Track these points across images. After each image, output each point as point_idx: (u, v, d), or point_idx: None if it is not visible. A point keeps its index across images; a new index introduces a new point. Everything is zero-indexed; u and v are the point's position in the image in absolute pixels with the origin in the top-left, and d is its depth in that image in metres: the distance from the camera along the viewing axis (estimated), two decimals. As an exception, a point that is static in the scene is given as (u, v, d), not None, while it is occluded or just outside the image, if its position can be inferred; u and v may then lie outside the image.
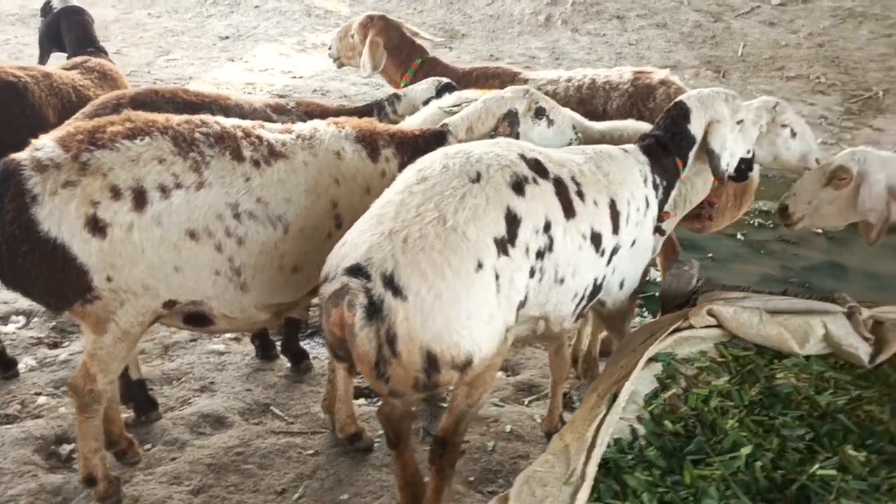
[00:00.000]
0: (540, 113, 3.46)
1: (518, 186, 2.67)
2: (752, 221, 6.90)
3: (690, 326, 3.07)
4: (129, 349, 3.02)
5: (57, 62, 4.77)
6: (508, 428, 3.89)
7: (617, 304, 3.31)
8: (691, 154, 3.41)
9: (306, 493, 3.37)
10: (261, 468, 3.52)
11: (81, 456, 3.16)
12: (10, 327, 4.65)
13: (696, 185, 3.83)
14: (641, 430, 2.65)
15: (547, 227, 2.72)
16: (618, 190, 3.07)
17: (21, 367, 4.23)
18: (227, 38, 13.52)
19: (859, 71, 11.03)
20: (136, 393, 3.78)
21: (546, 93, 4.43)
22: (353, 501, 3.34)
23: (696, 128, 3.38)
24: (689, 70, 11.48)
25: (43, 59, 5.09)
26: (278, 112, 3.85)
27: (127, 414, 3.79)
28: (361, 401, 4.11)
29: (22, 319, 4.75)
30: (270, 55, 12.57)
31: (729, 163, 3.42)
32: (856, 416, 2.76)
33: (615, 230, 3.03)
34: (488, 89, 3.94)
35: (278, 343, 4.43)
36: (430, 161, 2.74)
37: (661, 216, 3.53)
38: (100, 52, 4.85)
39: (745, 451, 2.51)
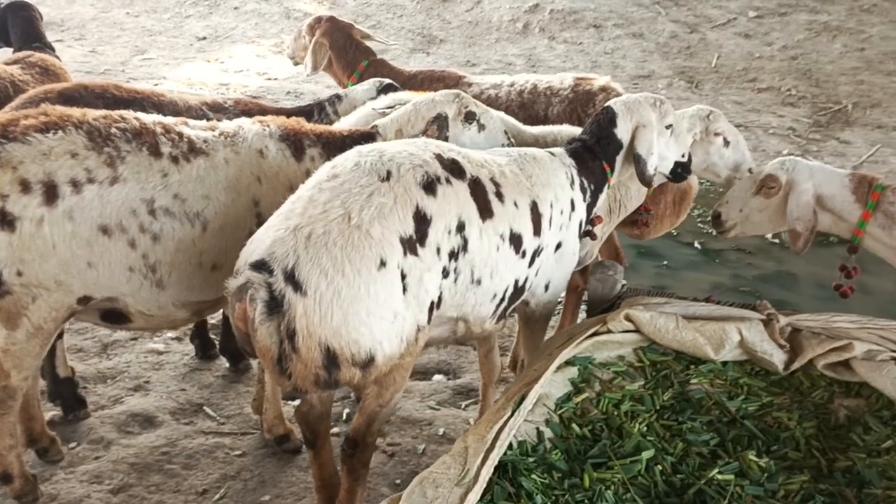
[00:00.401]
0: (470, 117, 3.45)
1: (429, 186, 2.66)
2: (709, 230, 6.92)
3: (609, 331, 3.07)
4: (44, 345, 2.98)
5: (2, 57, 4.75)
6: (441, 431, 3.88)
7: (540, 306, 3.30)
8: (618, 158, 3.41)
9: (228, 493, 3.35)
10: (185, 468, 3.49)
11: (-3, 453, 3.13)
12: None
13: (630, 190, 3.84)
14: (548, 433, 2.64)
15: (461, 228, 2.72)
16: (540, 192, 3.07)
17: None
18: (204, 38, 13.50)
19: (830, 84, 11.12)
20: (64, 390, 3.75)
21: (488, 97, 4.44)
22: (275, 502, 3.32)
23: (622, 132, 3.38)
24: (663, 80, 11.55)
25: (-9, 54, 5.07)
26: (214, 110, 3.84)
27: (54, 412, 3.76)
28: (296, 402, 4.09)
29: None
30: (247, 56, 12.57)
31: (657, 167, 3.42)
32: (765, 422, 2.77)
33: (537, 232, 3.03)
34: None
35: (218, 343, 4.41)
36: (344, 159, 2.73)
37: (593, 220, 3.54)
38: (45, 47, 4.83)
39: (647, 454, 2.51)
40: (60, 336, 3.67)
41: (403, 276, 2.54)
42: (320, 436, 2.95)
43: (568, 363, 2.96)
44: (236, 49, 12.88)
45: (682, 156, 3.57)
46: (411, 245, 2.56)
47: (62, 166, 2.76)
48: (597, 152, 3.36)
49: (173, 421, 3.84)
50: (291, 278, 2.39)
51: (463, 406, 4.18)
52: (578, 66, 12.14)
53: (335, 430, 3.82)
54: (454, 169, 2.79)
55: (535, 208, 3.03)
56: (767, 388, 2.95)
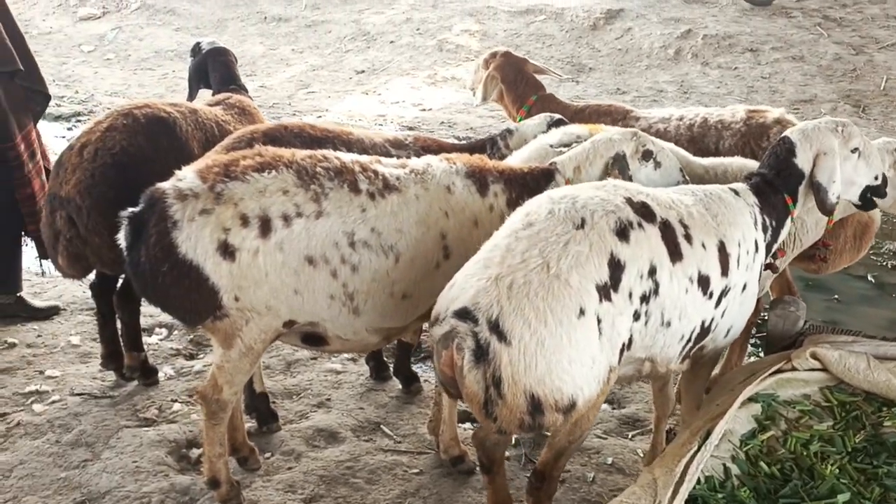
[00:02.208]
0: (647, 156, 3.51)
1: (623, 232, 2.74)
2: (884, 263, 6.61)
3: (793, 369, 3.04)
4: (253, 363, 3.28)
5: (203, 99, 5.23)
6: (610, 460, 3.93)
7: (717, 349, 3.30)
8: (801, 189, 3.36)
9: (408, 509, 3.55)
10: (368, 483, 3.71)
11: (207, 459, 3.45)
12: (154, 339, 5.09)
13: (806, 223, 3.77)
14: (735, 469, 2.66)
15: (652, 272, 2.77)
16: (727, 231, 3.08)
17: (161, 375, 4.63)
18: (362, 72, 14.16)
19: None
20: (259, 404, 4.08)
21: (657, 131, 4.48)
22: (453, 521, 3.48)
23: (802, 162, 3.33)
24: (827, 104, 11.08)
25: (191, 96, 5.59)
26: (396, 147, 4.09)
27: (250, 424, 4.09)
28: (467, 424, 4.25)
29: (164, 332, 5.19)
30: (402, 88, 13.08)
31: (839, 195, 3.35)
32: (972, 470, 2.66)
33: (724, 272, 3.04)
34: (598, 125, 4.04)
35: (392, 365, 4.64)
36: (537, 205, 2.84)
37: (776, 253, 3.50)
38: (241, 89, 5.28)
39: (843, 498, 2.47)
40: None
41: (599, 322, 2.62)
42: (496, 462, 3.08)
43: (751, 399, 2.95)
44: (392, 81, 13.43)
45: (875, 178, 3.45)
46: (606, 291, 2.64)
47: (275, 202, 3.05)
48: (777, 186, 3.33)
49: (354, 437, 4.09)
50: (496, 328, 2.52)
51: (630, 436, 4.20)
52: (733, 91, 11.86)
53: (507, 453, 3.95)
54: (645, 213, 2.85)
55: (722, 249, 3.04)
56: (970, 435, 2.83)
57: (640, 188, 3.02)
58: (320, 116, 11.93)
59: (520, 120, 5.08)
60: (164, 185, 3.06)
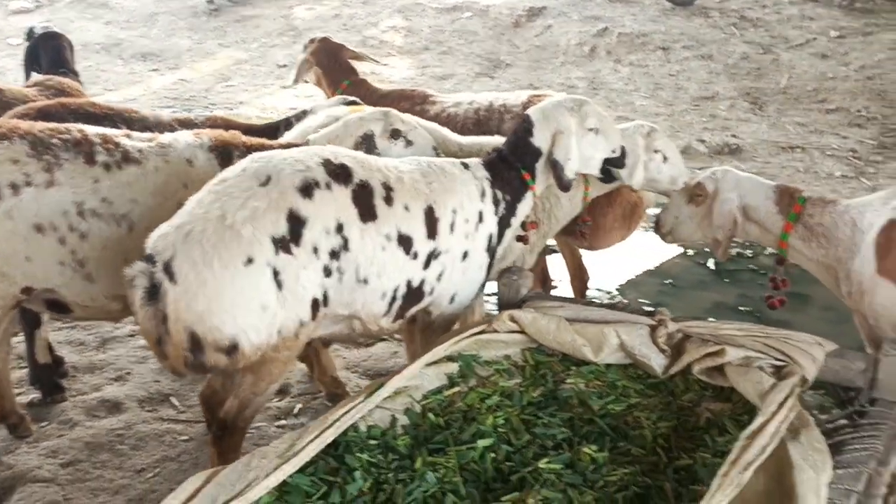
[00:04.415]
0: (396, 134, 3.67)
1: (306, 190, 2.88)
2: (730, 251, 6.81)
3: (494, 331, 3.19)
4: (-3, 330, 3.40)
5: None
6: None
7: (442, 318, 3.44)
8: (538, 166, 3.51)
9: (162, 472, 3.66)
10: (133, 449, 3.83)
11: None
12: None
13: (560, 199, 3.93)
14: (403, 420, 2.80)
15: (339, 229, 2.92)
16: (438, 198, 3.23)
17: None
18: (284, 66, 14.22)
19: (905, 104, 10.62)
20: (43, 375, 4.18)
21: (448, 115, 4.65)
22: (204, 483, 3.59)
23: (540, 140, 3.47)
24: (726, 101, 11.33)
25: (26, 78, 5.68)
26: (184, 125, 4.21)
27: (35, 394, 4.20)
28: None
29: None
30: (319, 83, 13.17)
31: (577, 171, 3.51)
32: (625, 421, 2.82)
33: (431, 235, 3.19)
34: (399, 110, 4.19)
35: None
36: (238, 164, 3.01)
37: (525, 225, 3.65)
38: (70, 73, 5.38)
39: (483, 443, 2.62)
40: (39, 326, 4.12)
41: (277, 273, 2.77)
42: (218, 421, 3.21)
43: (451, 359, 3.10)
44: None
45: (613, 151, 3.61)
46: (284, 245, 2.79)
47: (3, 172, 3.16)
48: (513, 162, 3.48)
49: (138, 408, 4.20)
50: (168, 269, 2.70)
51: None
52: (640, 88, 12.09)
53: (283, 422, 4.09)
54: (340, 174, 3.00)
55: (430, 213, 3.19)
56: (642, 391, 2.99)
57: (351, 153, 3.15)
58: (232, 110, 12.01)
59: (330, 103, 5.23)
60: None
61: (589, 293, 5.88)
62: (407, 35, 15.13)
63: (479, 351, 3.16)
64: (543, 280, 4.60)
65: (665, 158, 3.87)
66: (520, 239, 3.69)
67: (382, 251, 3.04)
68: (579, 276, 4.73)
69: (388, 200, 3.06)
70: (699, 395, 2.93)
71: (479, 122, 4.58)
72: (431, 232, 3.18)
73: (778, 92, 11.51)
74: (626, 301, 5.86)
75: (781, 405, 2.63)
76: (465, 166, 3.43)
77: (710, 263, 6.56)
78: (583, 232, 4.02)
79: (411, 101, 4.90)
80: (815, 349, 2.98)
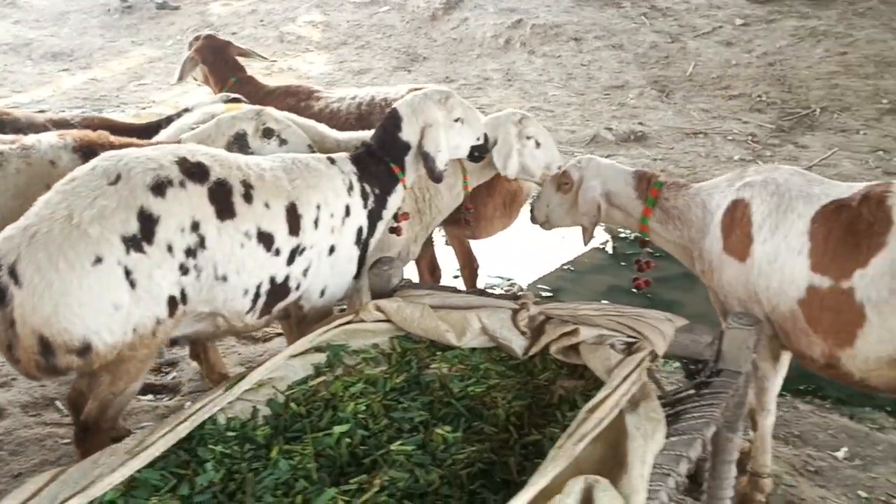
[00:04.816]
0: (268, 133, 3.70)
1: (159, 188, 2.89)
2: (630, 236, 7.02)
3: (362, 321, 3.25)
4: None
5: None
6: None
7: (314, 311, 3.48)
8: (408, 159, 3.58)
9: (40, 476, 3.63)
10: (11, 454, 3.78)
11: None
12: None
13: (440, 191, 4.02)
14: (265, 411, 2.85)
15: (195, 227, 2.94)
16: (301, 194, 3.27)
17: None
18: (199, 63, 14.03)
19: (803, 89, 11.02)
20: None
21: (332, 110, 4.69)
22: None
23: (408, 134, 3.55)
24: (635, 90, 11.61)
25: None
26: (58, 126, 4.16)
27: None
28: (149, 396, 4.37)
29: None
30: (233, 79, 13.03)
31: (447, 163, 3.60)
32: (482, 401, 2.92)
33: (294, 232, 3.23)
34: (282, 107, 4.22)
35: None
36: (89, 163, 2.99)
37: (397, 217, 3.72)
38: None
39: (339, 429, 2.68)
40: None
41: (129, 272, 2.77)
42: (80, 423, 3.20)
43: (319, 350, 3.16)
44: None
45: (477, 139, 3.73)
46: (136, 243, 2.79)
47: None
48: (381, 156, 3.55)
49: (21, 413, 4.15)
50: (13, 272, 2.67)
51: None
52: (554, 78, 12.30)
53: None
54: (195, 172, 3.01)
55: (292, 209, 3.23)
56: (503, 372, 3.09)
57: (211, 151, 3.16)
58: (145, 108, 11.82)
59: (217, 100, 5.22)
60: None
61: (490, 281, 6.02)
62: (325, 30, 15.08)
63: (348, 341, 3.22)
64: (432, 270, 4.68)
65: (538, 144, 3.99)
66: (393, 231, 3.76)
67: (241, 248, 3.06)
68: (469, 265, 4.83)
69: (248, 198, 3.09)
70: (555, 374, 3.05)
71: (361, 116, 4.64)
72: (294, 228, 3.22)
73: (684, 80, 11.84)
74: (524, 288, 6.01)
75: (626, 379, 2.77)
76: (332, 161, 3.48)
77: (609, 248, 6.75)
78: (467, 220, 4.11)
79: (296, 98, 4.93)
80: (666, 325, 3.13)
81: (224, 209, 3.02)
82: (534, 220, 3.97)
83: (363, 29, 14.98)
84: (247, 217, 3.07)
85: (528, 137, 3.97)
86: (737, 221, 3.19)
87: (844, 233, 2.84)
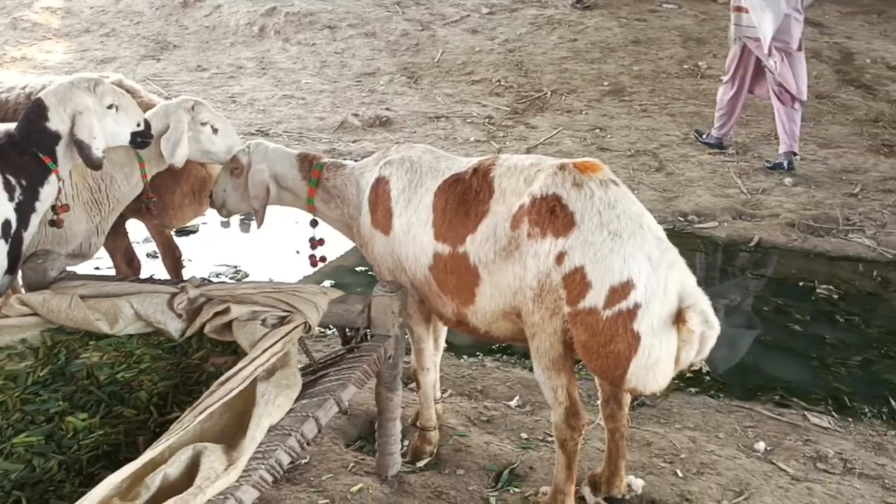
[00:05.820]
0: None
1: None
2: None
3: (6, 316, 3.18)
4: None
5: None
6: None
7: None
8: (59, 149, 3.47)
9: None
10: None
11: None
12: None
13: (116, 180, 3.95)
14: None
15: None
16: None
17: None
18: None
19: (537, 74, 11.81)
20: None
21: (2, 101, 4.47)
22: None
23: (56, 123, 3.43)
24: (386, 76, 11.92)
25: None
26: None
27: None
28: None
29: None
30: (-41, 68, 11.96)
31: (104, 149, 3.54)
32: (129, 386, 2.96)
33: None
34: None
35: None
36: None
37: (56, 209, 3.61)
38: None
39: (-47, 428, 2.64)
40: None
41: None
42: None
43: (-37, 352, 3.05)
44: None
45: (138, 125, 3.70)
46: None
47: None
48: (27, 147, 3.44)
49: None
50: None
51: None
52: (308, 66, 12.33)
53: None
54: None
55: None
56: (158, 356, 3.14)
57: None
58: None
59: None
60: None
61: (215, 269, 6.00)
62: (65, 16, 14.15)
63: (-8, 339, 3.13)
64: (129, 261, 4.60)
65: (215, 130, 4.01)
66: (53, 224, 3.64)
67: None
68: (170, 255, 4.79)
69: None
70: (209, 353, 3.15)
71: (31, 106, 4.44)
72: None
73: (433, 66, 12.31)
74: (248, 275, 6.04)
75: (265, 351, 2.91)
76: None
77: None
78: (149, 209, 4.06)
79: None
80: (320, 298, 3.32)
81: None
82: (212, 205, 4.02)
83: (108, 16, 14.22)
84: None
85: (203, 124, 4.00)
86: (380, 197, 3.43)
87: (458, 203, 3.15)
